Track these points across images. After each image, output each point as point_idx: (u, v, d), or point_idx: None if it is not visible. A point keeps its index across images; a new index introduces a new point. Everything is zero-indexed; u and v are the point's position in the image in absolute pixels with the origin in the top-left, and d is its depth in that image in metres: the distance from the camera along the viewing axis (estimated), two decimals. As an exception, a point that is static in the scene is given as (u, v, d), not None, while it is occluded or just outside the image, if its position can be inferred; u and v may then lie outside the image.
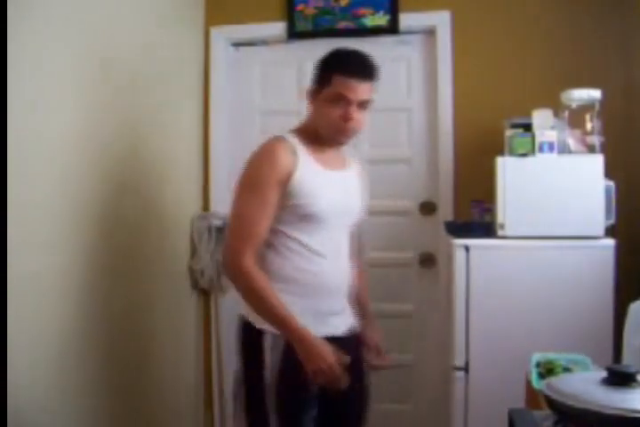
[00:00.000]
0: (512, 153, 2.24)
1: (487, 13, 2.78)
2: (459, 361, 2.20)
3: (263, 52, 3.08)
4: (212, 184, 3.05)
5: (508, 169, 2.23)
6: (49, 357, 1.90)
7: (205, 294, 3.04)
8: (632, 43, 2.57)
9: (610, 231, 2.22)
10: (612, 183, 2.23)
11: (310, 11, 2.93)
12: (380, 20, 2.87)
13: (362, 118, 1.74)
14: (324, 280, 1.76)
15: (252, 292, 1.68)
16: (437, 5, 2.82)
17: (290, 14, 2.95)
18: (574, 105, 2.28)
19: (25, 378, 1.76)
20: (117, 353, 2.27)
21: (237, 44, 3.10)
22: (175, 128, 2.78)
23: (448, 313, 2.37)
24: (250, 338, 1.75)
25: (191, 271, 2.91)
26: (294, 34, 2.96)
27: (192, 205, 2.96)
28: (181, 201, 2.86)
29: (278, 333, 1.68)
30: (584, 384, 1.07)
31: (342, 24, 2.90)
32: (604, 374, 1.07)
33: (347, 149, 1.94)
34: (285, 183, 1.69)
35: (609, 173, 2.21)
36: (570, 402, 1.01)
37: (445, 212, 2.82)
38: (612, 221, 2.23)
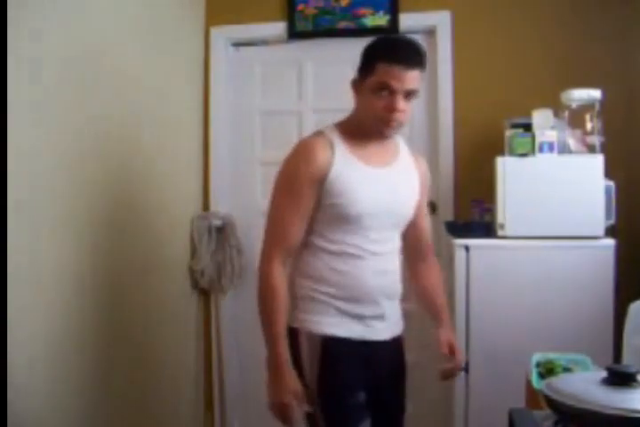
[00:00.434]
0: (512, 153, 2.24)
1: (487, 13, 2.78)
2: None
3: (263, 52, 3.08)
4: (212, 184, 3.05)
5: (508, 169, 2.23)
6: (49, 356, 1.90)
7: (205, 294, 3.04)
8: (632, 42, 2.57)
9: (610, 231, 2.22)
10: (612, 183, 2.23)
11: (310, 11, 2.93)
12: (381, 20, 2.87)
13: (408, 109, 1.61)
14: (361, 283, 1.65)
15: (263, 299, 1.62)
16: (437, 5, 2.82)
17: (290, 14, 2.95)
18: (574, 105, 2.28)
19: (25, 377, 1.76)
20: (117, 353, 2.27)
21: (237, 44, 3.10)
22: (175, 128, 2.78)
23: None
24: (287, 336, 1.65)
25: (191, 271, 2.91)
26: (294, 34, 2.96)
27: (192, 205, 2.96)
28: (181, 201, 2.86)
29: (313, 331, 1.63)
30: (584, 384, 1.07)
31: (342, 24, 2.90)
32: (604, 374, 1.07)
33: (399, 143, 1.80)
34: (322, 182, 1.60)
35: (609, 173, 2.21)
36: (570, 402, 1.01)
37: (445, 212, 2.82)
38: (611, 221, 2.23)
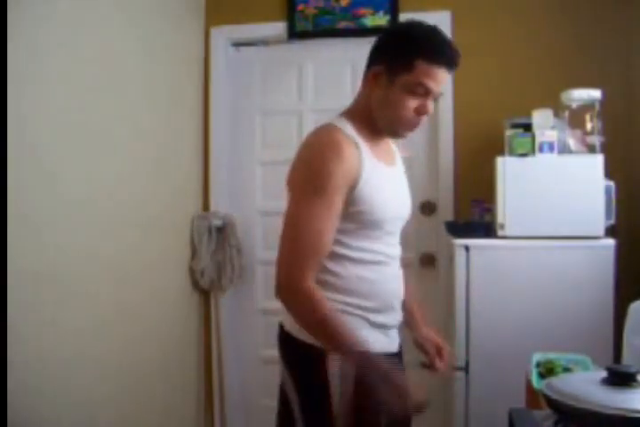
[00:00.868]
0: (512, 153, 2.24)
1: (487, 13, 2.78)
2: (459, 361, 2.20)
3: (263, 52, 3.08)
4: (212, 184, 3.05)
5: (507, 169, 2.23)
6: (48, 356, 1.90)
7: (205, 294, 3.04)
8: (632, 43, 2.57)
9: (610, 231, 2.22)
10: (612, 183, 2.23)
11: (310, 11, 2.93)
12: (380, 20, 2.87)
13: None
14: (388, 289, 1.54)
15: (317, 324, 1.39)
16: (437, 5, 2.82)
17: (290, 14, 2.95)
18: (574, 105, 2.28)
19: (24, 376, 1.76)
20: (117, 353, 2.27)
21: (237, 44, 3.10)
22: (175, 128, 2.78)
23: (448, 313, 2.36)
24: (308, 360, 1.47)
25: (191, 271, 2.91)
26: (294, 34, 2.96)
27: (192, 205, 2.96)
28: (181, 201, 2.86)
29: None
30: (584, 384, 1.07)
31: (342, 24, 2.90)
32: (604, 374, 1.07)
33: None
34: (353, 186, 1.41)
35: (609, 173, 2.21)
36: (570, 402, 1.01)
37: (445, 212, 2.82)
38: (611, 221, 2.23)
